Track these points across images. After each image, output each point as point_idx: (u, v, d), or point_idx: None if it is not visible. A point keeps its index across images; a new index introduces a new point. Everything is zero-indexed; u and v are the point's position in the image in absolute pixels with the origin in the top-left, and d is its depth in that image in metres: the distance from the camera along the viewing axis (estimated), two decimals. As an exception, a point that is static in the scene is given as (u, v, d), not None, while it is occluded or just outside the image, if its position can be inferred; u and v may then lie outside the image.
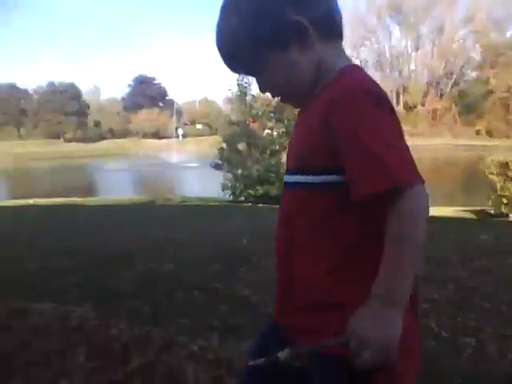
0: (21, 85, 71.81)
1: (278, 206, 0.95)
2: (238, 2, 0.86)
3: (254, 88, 14.72)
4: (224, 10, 0.88)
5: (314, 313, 0.86)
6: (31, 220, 7.34)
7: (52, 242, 4.97)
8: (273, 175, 13.09)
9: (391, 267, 0.75)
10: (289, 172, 0.91)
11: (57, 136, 66.16)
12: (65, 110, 65.34)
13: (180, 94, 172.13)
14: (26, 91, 71.30)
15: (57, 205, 10.86)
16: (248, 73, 0.96)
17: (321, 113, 0.81)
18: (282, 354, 0.83)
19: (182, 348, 2.07)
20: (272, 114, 14.59)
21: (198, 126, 68.96)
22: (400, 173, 0.74)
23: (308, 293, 0.87)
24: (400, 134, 0.80)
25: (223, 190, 13.97)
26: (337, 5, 0.90)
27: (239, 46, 0.87)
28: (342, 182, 0.79)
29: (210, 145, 15.11)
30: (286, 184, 0.92)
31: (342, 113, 0.79)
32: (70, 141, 63.93)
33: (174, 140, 54.62)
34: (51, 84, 67.99)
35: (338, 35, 0.91)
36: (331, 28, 0.89)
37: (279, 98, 0.94)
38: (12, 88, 69.14)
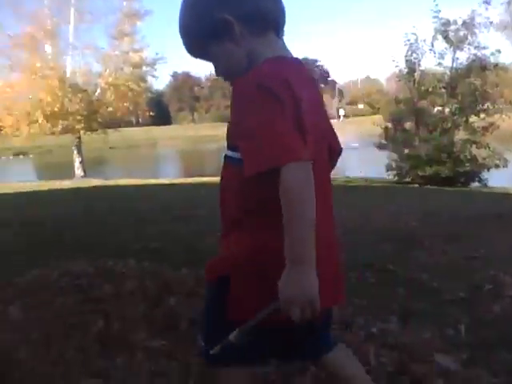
0: (195, 73, 78.68)
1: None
2: (183, 1, 1.05)
3: (424, 63, 13.71)
4: (180, 7, 1.05)
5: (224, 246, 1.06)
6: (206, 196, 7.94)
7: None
8: (444, 155, 12.11)
9: (290, 235, 0.89)
10: (227, 147, 1.06)
11: (226, 119, 71.03)
12: (233, 95, 69.75)
13: (341, 73, 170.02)
14: (199, 79, 77.93)
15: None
16: (204, 60, 1.09)
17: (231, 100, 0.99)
18: (232, 336, 0.94)
19: (361, 329, 1.97)
20: (443, 90, 13.43)
21: (360, 106, 67.64)
22: (279, 153, 0.87)
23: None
24: (284, 120, 0.89)
25: (387, 171, 13.41)
26: (272, 2, 1.03)
27: (188, 39, 1.06)
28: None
29: (372, 125, 14.58)
30: (224, 157, 1.06)
31: (236, 101, 0.99)
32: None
33: (335, 121, 54.66)
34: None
35: (272, 28, 1.03)
36: (260, 23, 1.01)
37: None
38: (187, 76, 76.19)
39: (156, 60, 18.82)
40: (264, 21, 1.02)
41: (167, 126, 63.59)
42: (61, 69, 17.54)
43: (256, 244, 0.98)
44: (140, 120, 24.19)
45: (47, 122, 17.11)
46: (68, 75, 17.87)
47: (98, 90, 18.29)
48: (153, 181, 13.25)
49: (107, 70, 17.96)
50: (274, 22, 1.04)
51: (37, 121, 17.03)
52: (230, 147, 1.04)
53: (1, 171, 32.46)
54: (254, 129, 0.90)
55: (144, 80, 19.25)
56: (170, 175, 19.84)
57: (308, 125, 0.92)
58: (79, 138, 18.72)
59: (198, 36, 1.03)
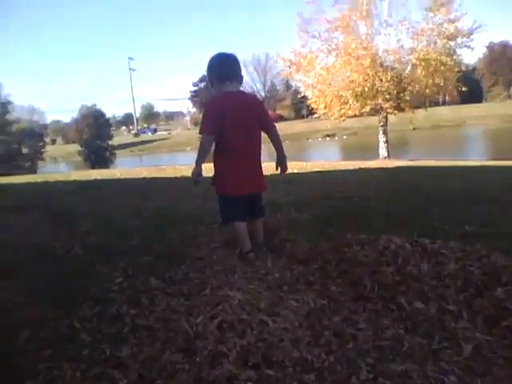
0: (516, 41, 68.92)
1: None
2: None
3: None
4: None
5: None
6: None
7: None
8: None
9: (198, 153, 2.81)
10: None
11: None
12: None
13: None
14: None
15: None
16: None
17: None
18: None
19: None
20: None
21: None
22: (201, 128, 2.79)
23: None
24: (210, 119, 2.78)
25: None
26: (225, 66, 2.87)
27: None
28: None
29: None
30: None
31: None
32: None
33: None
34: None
35: (227, 79, 2.83)
36: (221, 78, 2.84)
37: None
38: (505, 46, 67.53)
39: (473, 30, 17.19)
40: (223, 76, 2.83)
41: (477, 104, 58.27)
42: (373, 48, 17.88)
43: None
44: (447, 99, 22.76)
45: (357, 102, 17.93)
46: (380, 54, 18.15)
47: (409, 68, 17.98)
48: (460, 162, 12.32)
49: (419, 46, 17.42)
50: (227, 77, 2.83)
51: (347, 102, 18.07)
52: None
53: (312, 151, 36.26)
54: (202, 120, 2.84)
55: (456, 53, 17.86)
56: (478, 157, 18.14)
57: (215, 121, 2.76)
58: (385, 118, 18.99)
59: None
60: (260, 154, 2.96)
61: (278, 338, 1.75)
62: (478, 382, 1.54)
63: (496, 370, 1.60)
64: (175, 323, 1.93)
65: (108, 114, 52.36)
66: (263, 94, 77.13)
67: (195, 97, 70.11)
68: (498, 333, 1.81)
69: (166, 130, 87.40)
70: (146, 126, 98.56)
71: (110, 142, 44.35)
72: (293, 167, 10.17)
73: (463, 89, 18.59)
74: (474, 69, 67.59)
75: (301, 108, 70.15)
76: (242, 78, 2.94)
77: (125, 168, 20.94)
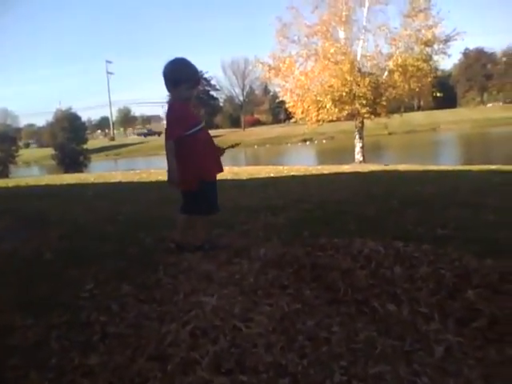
0: (489, 48, 70.76)
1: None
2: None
3: None
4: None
5: None
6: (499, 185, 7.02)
7: None
8: None
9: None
10: (201, 122, 3.06)
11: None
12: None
13: None
14: (493, 55, 69.81)
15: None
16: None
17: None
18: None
19: None
20: None
21: None
22: (167, 135, 2.94)
23: None
24: (179, 120, 2.97)
25: None
26: (197, 74, 3.10)
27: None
28: None
29: None
30: (203, 127, 3.03)
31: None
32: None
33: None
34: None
35: (195, 84, 3.08)
36: (192, 84, 3.02)
37: None
38: (480, 53, 69.16)
39: (451, 36, 17.50)
40: (183, 80, 2.95)
41: (451, 110, 59.54)
42: (352, 53, 18.06)
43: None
44: (421, 104, 23.15)
45: (335, 107, 18.09)
46: (358, 59, 18.33)
47: (386, 73, 18.25)
48: (433, 167, 12.54)
49: (397, 51, 17.69)
50: (188, 79, 2.97)
51: (325, 106, 18.21)
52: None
53: (290, 155, 36.44)
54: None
55: (433, 59, 18.18)
56: (451, 162, 18.54)
57: (181, 124, 2.96)
58: (362, 122, 19.21)
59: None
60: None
61: (251, 344, 1.73)
62: (450, 382, 1.55)
63: (467, 370, 1.61)
64: (147, 330, 1.90)
65: (84, 118, 51.69)
66: (241, 99, 77.30)
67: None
68: (468, 334, 1.83)
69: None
70: (140, 127, 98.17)
71: (85, 146, 43.69)
72: (270, 171, 10.20)
73: (438, 94, 18.96)
74: (450, 75, 69.04)
75: (279, 112, 70.55)
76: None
77: (99, 172, 20.64)
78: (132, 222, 4.29)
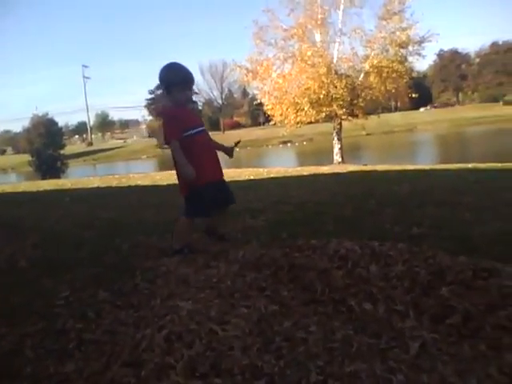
0: (462, 49, 72.12)
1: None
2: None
3: None
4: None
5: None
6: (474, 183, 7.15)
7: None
8: None
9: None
10: (201, 125, 3.13)
11: (495, 99, 63.37)
12: (507, 70, 61.47)
13: None
14: (467, 55, 71.17)
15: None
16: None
17: None
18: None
19: None
20: None
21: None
22: (168, 136, 2.97)
23: None
24: (175, 123, 3.00)
25: None
26: (188, 76, 3.07)
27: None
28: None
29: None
30: (203, 130, 3.11)
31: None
32: (509, 103, 59.94)
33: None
34: (494, 44, 65.11)
35: (186, 87, 3.07)
36: (183, 87, 3.03)
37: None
38: (454, 54, 70.44)
39: (426, 38, 17.81)
40: (176, 83, 3.02)
41: (427, 110, 60.51)
42: (328, 56, 18.27)
43: None
44: (398, 105, 23.50)
45: (313, 109, 18.24)
46: (334, 61, 18.52)
47: (362, 75, 18.47)
48: (410, 166, 12.72)
49: (372, 53, 17.92)
50: (181, 82, 3.04)
51: (303, 109, 18.34)
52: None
53: (270, 157, 36.53)
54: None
55: (408, 60, 18.48)
56: (428, 161, 18.83)
57: (178, 126, 2.98)
58: (340, 124, 19.39)
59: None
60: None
61: (227, 347, 1.72)
62: (425, 378, 1.56)
63: (441, 366, 1.63)
64: (122, 336, 1.88)
65: (61, 123, 50.94)
66: (220, 102, 77.21)
67: (151, 104, 69.21)
68: (443, 330, 1.86)
69: (121, 139, 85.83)
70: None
71: (62, 152, 43.07)
72: (250, 174, 10.20)
73: (414, 95, 19.27)
74: (425, 75, 70.15)
75: (257, 115, 70.70)
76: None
77: (77, 178, 20.36)
78: (109, 228, 4.24)
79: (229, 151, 3.32)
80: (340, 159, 19.14)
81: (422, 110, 66.00)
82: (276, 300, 2.17)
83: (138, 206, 5.57)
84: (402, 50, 17.92)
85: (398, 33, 17.61)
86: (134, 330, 1.90)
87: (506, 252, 2.74)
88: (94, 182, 11.38)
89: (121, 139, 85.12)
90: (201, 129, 3.09)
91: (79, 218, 4.96)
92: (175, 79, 3.02)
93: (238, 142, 3.48)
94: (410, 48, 18.06)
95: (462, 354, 1.69)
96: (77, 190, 9.40)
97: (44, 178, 31.46)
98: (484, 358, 1.66)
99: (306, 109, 18.24)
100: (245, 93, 74.82)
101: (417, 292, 2.10)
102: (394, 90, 18.43)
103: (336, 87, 17.64)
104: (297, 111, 18.55)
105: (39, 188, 10.17)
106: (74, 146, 76.27)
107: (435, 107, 67.86)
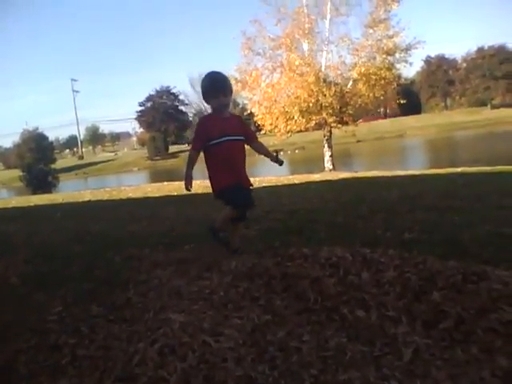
0: (449, 55, 72.90)
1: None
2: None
3: None
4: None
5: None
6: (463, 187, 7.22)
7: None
8: None
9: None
10: (230, 134, 3.14)
11: (483, 103, 64.11)
12: (493, 74, 62.27)
13: None
14: (454, 60, 71.95)
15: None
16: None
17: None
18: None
19: None
20: None
21: None
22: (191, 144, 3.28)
23: None
24: (199, 133, 3.21)
25: None
26: (216, 84, 3.20)
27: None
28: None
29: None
30: (229, 139, 3.13)
31: None
32: (497, 107, 60.65)
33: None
34: (480, 49, 65.97)
35: (217, 94, 3.15)
36: (213, 94, 3.17)
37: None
38: (441, 59, 71.20)
39: (412, 45, 17.99)
40: (215, 93, 3.18)
41: (416, 116, 61.06)
42: (316, 64, 18.39)
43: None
44: (388, 111, 23.71)
45: (303, 117, 18.34)
46: (323, 70, 18.64)
47: (350, 82, 18.60)
48: (401, 172, 12.81)
49: (360, 61, 18.08)
50: (219, 92, 3.17)
51: (293, 117, 18.44)
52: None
53: (263, 166, 36.53)
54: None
55: (395, 67, 18.66)
56: (418, 166, 18.94)
57: (201, 137, 3.18)
58: (330, 132, 19.50)
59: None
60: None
61: (221, 358, 1.72)
62: (418, 384, 1.57)
63: (435, 371, 1.64)
64: (115, 351, 1.87)
65: (51, 137, 50.76)
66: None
67: (142, 117, 69.15)
68: (436, 335, 1.87)
69: (112, 151, 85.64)
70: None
71: (53, 166, 42.85)
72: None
73: (402, 101, 19.46)
74: (413, 82, 70.83)
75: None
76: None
77: (68, 192, 20.25)
78: (100, 241, 4.22)
79: (274, 159, 3.44)
80: (331, 167, 19.21)
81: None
82: (269, 310, 2.17)
83: (130, 219, 5.55)
84: (389, 58, 18.09)
85: (384, 40, 17.78)
86: (127, 344, 1.89)
87: (495, 255, 2.78)
88: (86, 195, 11.33)
89: (112, 152, 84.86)
90: (225, 139, 3.10)
91: (71, 232, 4.94)
92: (205, 87, 3.19)
93: (278, 152, 3.57)
94: (397, 55, 18.25)
95: (455, 359, 1.70)
96: (68, 204, 9.36)
97: (35, 192, 31.19)
98: (477, 362, 1.67)
99: (296, 117, 18.33)
100: (235, 103, 74.94)
101: (409, 297, 2.11)
102: (382, 97, 18.59)
103: (325, 95, 17.75)
104: (287, 120, 18.62)
105: (30, 203, 10.11)
106: (65, 159, 75.87)
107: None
